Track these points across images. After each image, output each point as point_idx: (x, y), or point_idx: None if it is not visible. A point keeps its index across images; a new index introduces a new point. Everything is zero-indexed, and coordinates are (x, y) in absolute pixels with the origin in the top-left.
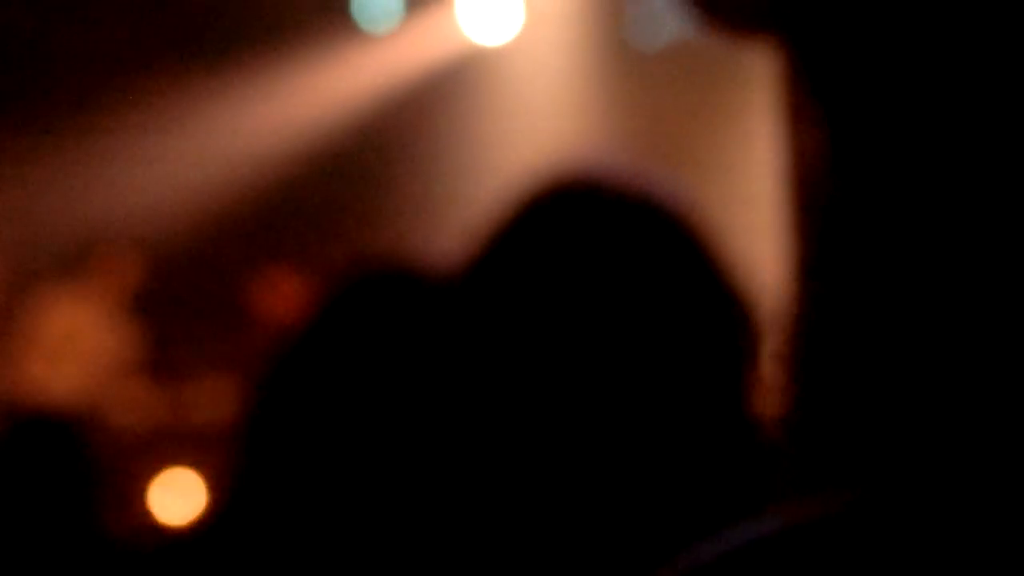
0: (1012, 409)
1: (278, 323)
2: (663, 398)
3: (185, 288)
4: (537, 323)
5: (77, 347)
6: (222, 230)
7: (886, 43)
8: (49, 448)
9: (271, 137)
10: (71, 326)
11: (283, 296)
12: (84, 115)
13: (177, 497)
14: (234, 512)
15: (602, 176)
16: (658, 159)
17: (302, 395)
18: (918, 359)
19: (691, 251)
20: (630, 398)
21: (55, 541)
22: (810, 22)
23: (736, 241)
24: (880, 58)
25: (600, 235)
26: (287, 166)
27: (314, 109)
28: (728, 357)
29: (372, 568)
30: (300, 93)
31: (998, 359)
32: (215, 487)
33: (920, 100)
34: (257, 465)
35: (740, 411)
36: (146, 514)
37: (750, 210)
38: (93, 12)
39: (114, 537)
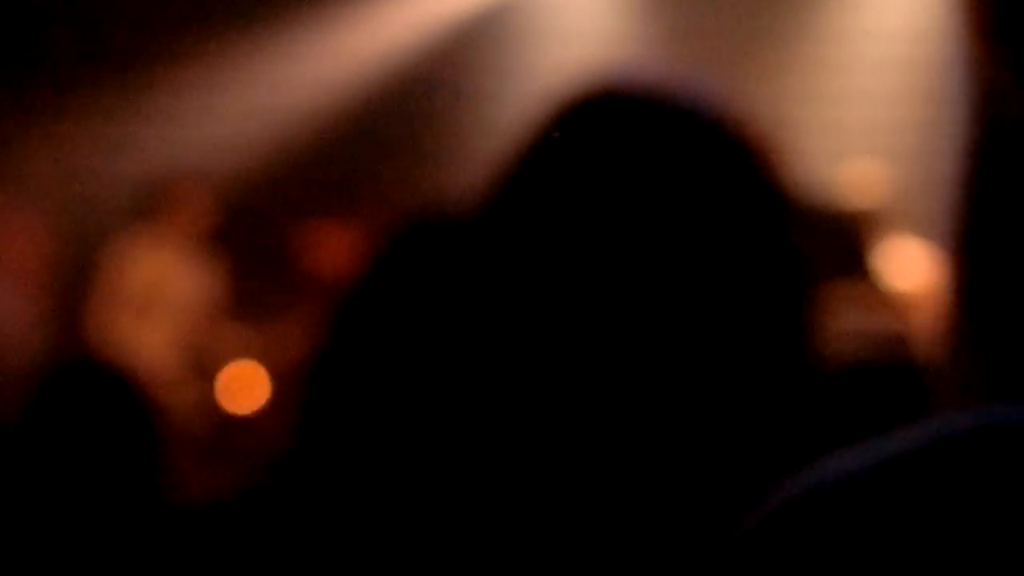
0: None
1: (330, 275)
2: (714, 325)
3: (240, 239)
4: (579, 238)
5: (163, 294)
6: (270, 183)
7: None
8: (121, 406)
9: (324, 81)
10: (154, 274)
11: (333, 249)
12: (138, 71)
13: (243, 389)
14: (297, 461)
15: (641, 85)
16: (704, 77)
17: (362, 344)
18: None
19: (739, 158)
20: (679, 325)
21: (122, 504)
22: None
23: (787, 141)
24: None
25: (639, 145)
26: (332, 119)
27: (355, 58)
28: (781, 267)
29: (430, 510)
30: (340, 44)
31: None
32: (283, 431)
33: None
34: (323, 411)
35: (799, 333)
36: (218, 477)
37: (802, 106)
38: None
39: (181, 499)
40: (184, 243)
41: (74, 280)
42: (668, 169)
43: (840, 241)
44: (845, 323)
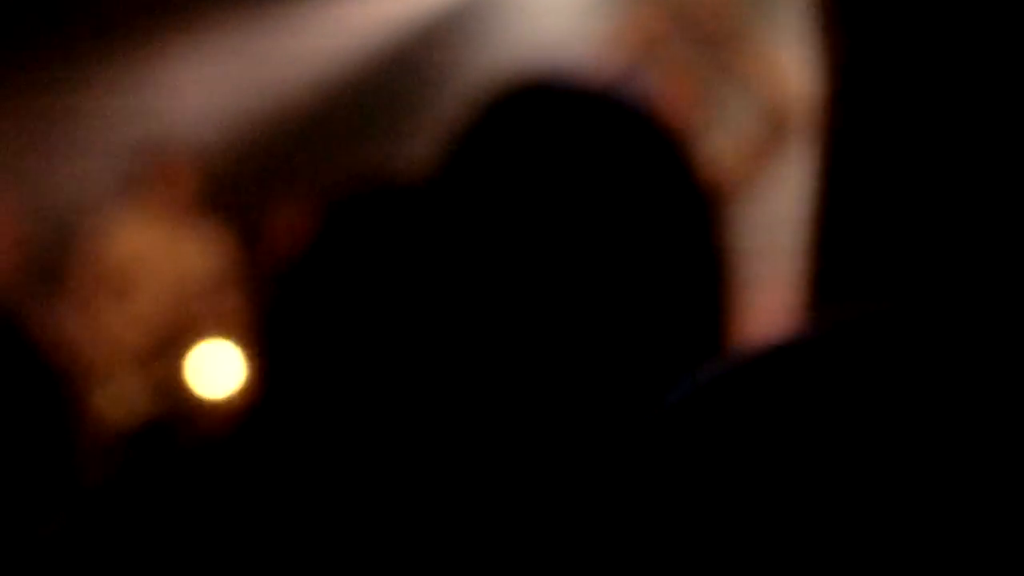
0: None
1: (285, 244)
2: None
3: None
4: (518, 216)
5: (146, 271)
6: (242, 156)
7: None
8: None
9: (288, 67)
10: (139, 249)
11: (289, 221)
12: (112, 43)
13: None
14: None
15: (573, 77)
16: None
17: (312, 309)
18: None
19: (660, 150)
20: (610, 281)
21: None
22: None
23: (702, 136)
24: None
25: (569, 131)
26: (297, 97)
27: (332, 40)
28: (700, 251)
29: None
30: (312, 26)
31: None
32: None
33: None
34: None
35: (717, 314)
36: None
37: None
38: None
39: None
40: (172, 217)
41: (50, 256)
42: (590, 153)
43: None
44: None
